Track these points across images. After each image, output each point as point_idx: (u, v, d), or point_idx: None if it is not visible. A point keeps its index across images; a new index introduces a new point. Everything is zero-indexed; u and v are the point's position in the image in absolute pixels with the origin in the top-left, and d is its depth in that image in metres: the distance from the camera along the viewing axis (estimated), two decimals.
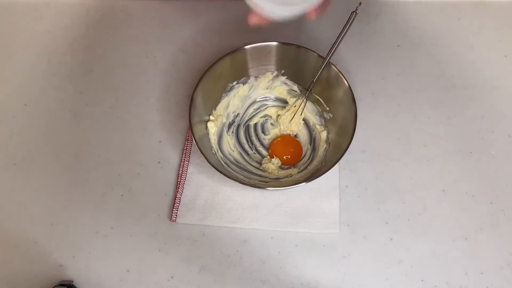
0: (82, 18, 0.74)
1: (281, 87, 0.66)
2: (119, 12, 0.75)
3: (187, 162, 0.62)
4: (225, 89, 0.64)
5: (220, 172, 0.55)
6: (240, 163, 0.63)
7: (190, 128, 0.57)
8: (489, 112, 0.66)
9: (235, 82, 0.64)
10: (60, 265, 0.58)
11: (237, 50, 0.61)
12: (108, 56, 0.71)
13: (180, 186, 0.61)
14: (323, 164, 0.60)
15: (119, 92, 0.68)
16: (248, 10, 0.50)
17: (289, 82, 0.65)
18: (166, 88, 0.68)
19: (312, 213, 0.59)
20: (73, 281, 0.56)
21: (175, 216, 0.59)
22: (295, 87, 0.65)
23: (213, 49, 0.69)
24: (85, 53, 0.71)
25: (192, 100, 0.58)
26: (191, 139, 0.64)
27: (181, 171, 0.62)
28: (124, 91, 0.68)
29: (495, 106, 0.66)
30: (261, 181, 0.61)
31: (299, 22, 0.72)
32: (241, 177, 0.59)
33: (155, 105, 0.67)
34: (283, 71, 0.64)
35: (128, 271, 0.57)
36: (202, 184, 0.61)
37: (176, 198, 0.60)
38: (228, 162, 0.62)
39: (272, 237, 0.59)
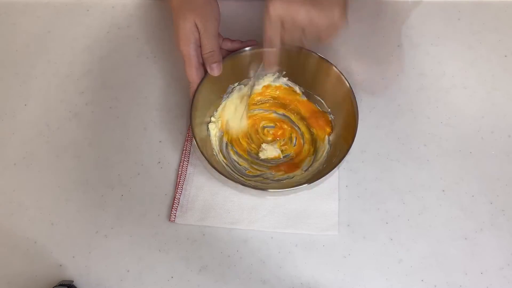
0: (82, 18, 0.74)
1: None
2: (119, 12, 0.75)
3: (187, 163, 0.62)
4: (226, 91, 0.64)
5: (222, 174, 0.54)
6: (241, 166, 0.63)
7: (192, 130, 0.56)
8: (489, 112, 0.66)
9: (236, 84, 0.64)
10: (60, 265, 0.58)
11: (237, 52, 0.60)
12: (108, 56, 0.71)
13: (179, 186, 0.61)
14: (324, 166, 0.60)
15: (119, 92, 0.68)
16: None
17: (290, 83, 0.65)
18: (166, 88, 0.68)
19: (311, 214, 0.59)
20: (73, 281, 0.56)
21: (174, 217, 0.59)
22: (297, 88, 0.65)
23: None
24: (85, 53, 0.71)
25: (193, 103, 0.58)
26: (191, 139, 0.64)
27: (180, 172, 0.62)
28: (124, 91, 0.68)
29: (495, 106, 0.66)
30: (263, 183, 0.61)
31: None
32: (242, 179, 0.59)
33: (155, 105, 0.67)
34: (284, 72, 0.64)
35: (128, 271, 0.57)
36: (202, 185, 0.61)
37: (175, 199, 0.60)
38: (229, 164, 0.62)
39: (272, 237, 0.59)
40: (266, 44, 0.53)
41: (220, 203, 0.60)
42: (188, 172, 0.62)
